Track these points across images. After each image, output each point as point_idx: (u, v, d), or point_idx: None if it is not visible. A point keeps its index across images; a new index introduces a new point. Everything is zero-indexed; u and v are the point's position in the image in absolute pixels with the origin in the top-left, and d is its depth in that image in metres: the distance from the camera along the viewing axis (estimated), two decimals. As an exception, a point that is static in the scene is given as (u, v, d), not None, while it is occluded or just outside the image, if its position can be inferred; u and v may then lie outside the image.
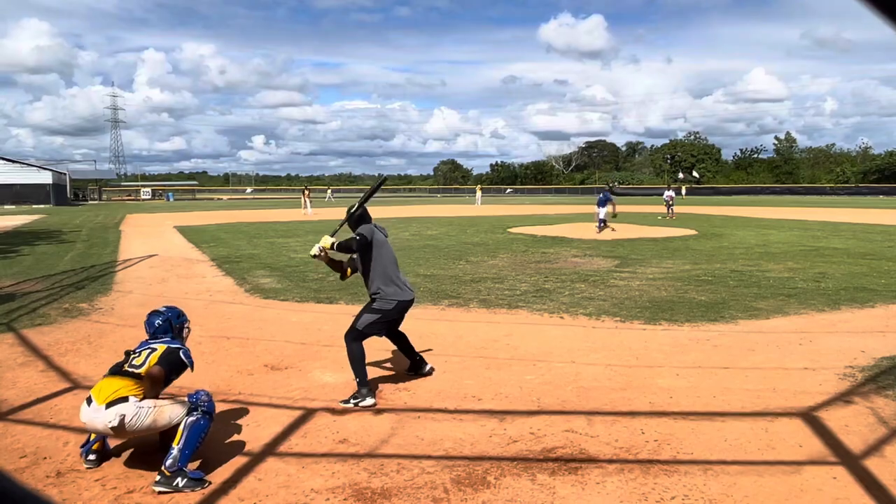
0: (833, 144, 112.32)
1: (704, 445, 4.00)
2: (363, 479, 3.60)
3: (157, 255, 15.00)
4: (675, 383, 5.22)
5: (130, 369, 3.81)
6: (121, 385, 3.67)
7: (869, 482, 3.47)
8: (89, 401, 3.65)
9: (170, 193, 76.24)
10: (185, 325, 4.34)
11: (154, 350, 3.92)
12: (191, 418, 3.64)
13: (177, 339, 4.15)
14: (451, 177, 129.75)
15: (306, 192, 38.85)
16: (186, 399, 3.77)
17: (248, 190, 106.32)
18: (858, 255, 13.89)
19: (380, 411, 4.70)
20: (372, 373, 5.24)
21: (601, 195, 21.71)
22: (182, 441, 3.57)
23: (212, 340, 6.74)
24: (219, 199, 76.75)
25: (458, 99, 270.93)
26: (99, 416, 3.57)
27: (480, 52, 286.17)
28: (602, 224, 21.18)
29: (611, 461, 3.79)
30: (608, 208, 21.06)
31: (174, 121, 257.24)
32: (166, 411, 3.69)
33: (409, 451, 3.97)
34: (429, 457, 3.89)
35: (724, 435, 4.17)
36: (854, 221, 25.93)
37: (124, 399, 3.60)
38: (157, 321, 4.16)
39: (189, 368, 3.98)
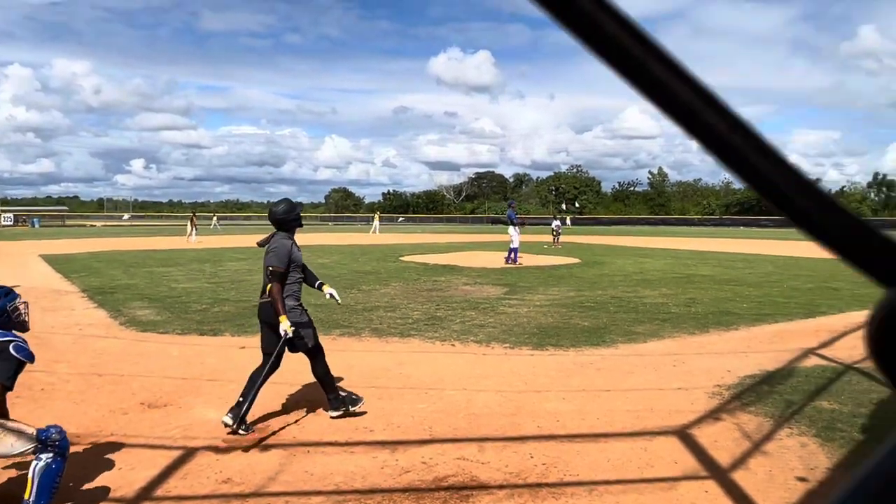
0: (700, 179, 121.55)
1: (589, 466, 4.15)
2: (248, 520, 3.43)
3: (18, 285, 13.72)
4: (562, 407, 5.39)
5: None
6: None
7: (737, 494, 3.73)
8: None
9: (35, 219, 70.39)
10: (17, 303, 3.57)
11: None
12: (40, 463, 3.22)
13: (8, 331, 3.45)
14: (342, 205, 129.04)
15: (193, 220, 37.06)
16: (35, 432, 3.30)
17: (126, 216, 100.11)
18: (723, 281, 15.06)
19: (267, 447, 4.52)
20: (256, 408, 5.04)
21: (508, 213, 19.55)
22: (34, 492, 3.19)
23: (81, 378, 6.24)
24: (92, 225, 71.72)
25: (349, 127, 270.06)
26: None
27: (372, 82, 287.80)
28: (513, 253, 18.89)
29: (501, 487, 3.84)
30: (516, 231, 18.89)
31: (41, 141, 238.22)
32: (7, 440, 3.26)
33: (297, 488, 3.84)
34: (318, 492, 3.77)
35: (607, 455, 4.34)
36: (719, 250, 28.06)
37: None
38: None
39: (28, 362, 3.40)
